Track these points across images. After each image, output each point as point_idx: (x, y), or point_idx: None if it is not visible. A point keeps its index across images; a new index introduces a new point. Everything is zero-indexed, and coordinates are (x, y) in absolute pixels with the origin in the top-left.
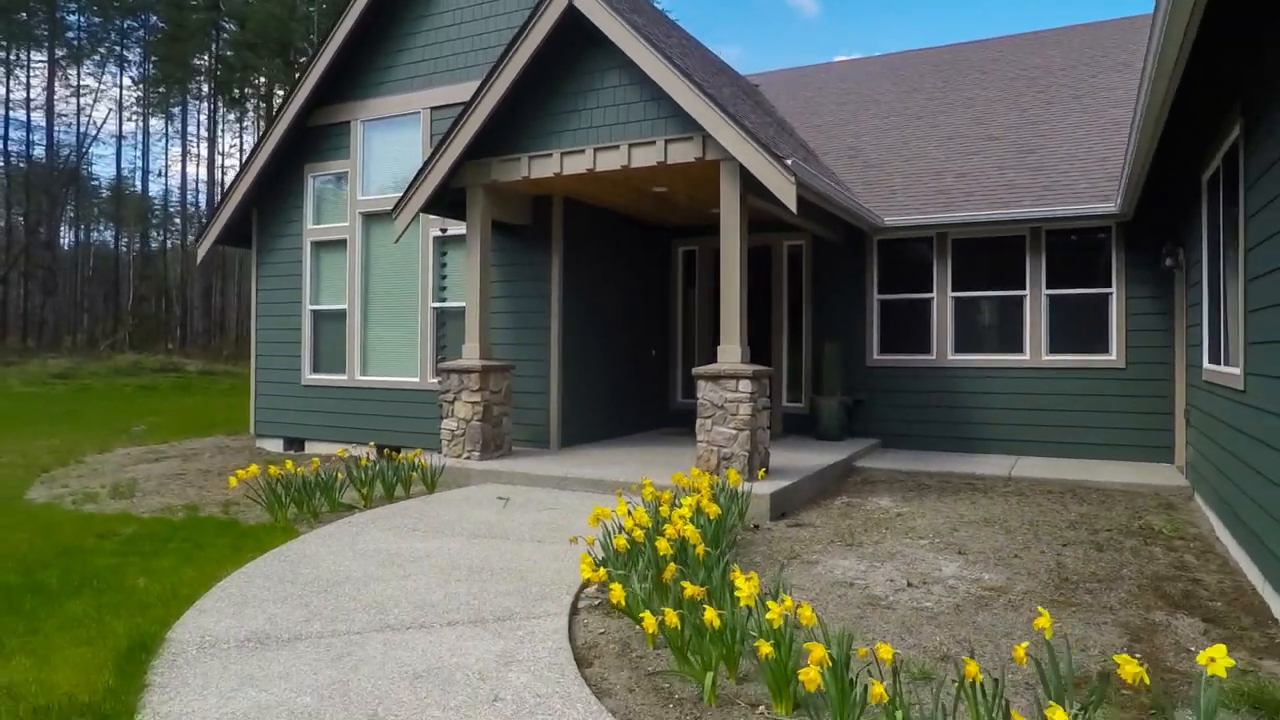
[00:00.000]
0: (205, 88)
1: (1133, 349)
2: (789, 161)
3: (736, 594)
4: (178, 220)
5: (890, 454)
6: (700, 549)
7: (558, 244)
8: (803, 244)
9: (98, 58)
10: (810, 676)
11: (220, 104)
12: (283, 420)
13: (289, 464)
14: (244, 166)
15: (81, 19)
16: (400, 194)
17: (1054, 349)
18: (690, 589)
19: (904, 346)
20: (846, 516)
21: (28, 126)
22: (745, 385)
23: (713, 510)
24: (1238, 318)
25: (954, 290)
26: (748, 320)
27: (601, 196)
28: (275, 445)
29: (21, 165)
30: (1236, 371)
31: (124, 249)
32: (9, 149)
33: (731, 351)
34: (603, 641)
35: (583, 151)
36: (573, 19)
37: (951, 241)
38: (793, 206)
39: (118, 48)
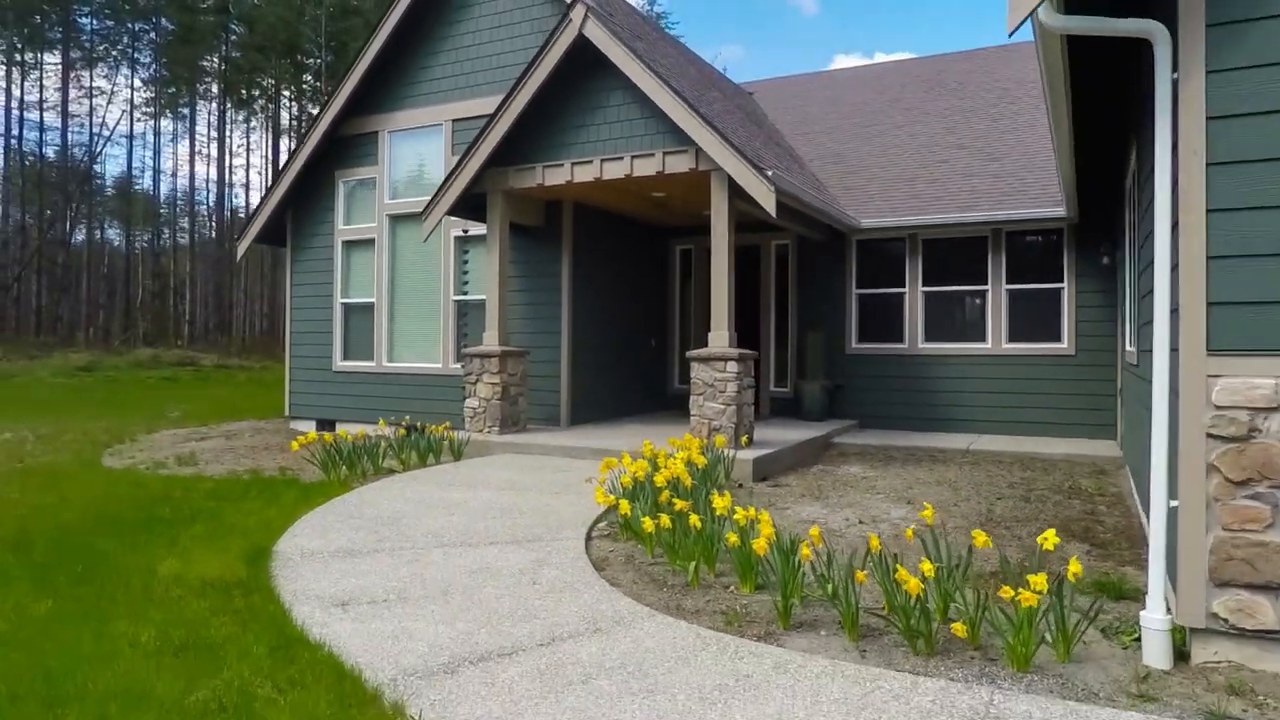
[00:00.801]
0: (214, 88)
1: (1081, 338)
2: (770, 173)
3: (713, 508)
4: (185, 220)
5: (866, 432)
6: (688, 482)
7: (568, 243)
8: (789, 243)
9: (110, 61)
10: (759, 545)
11: (229, 104)
12: (315, 403)
13: (343, 432)
14: (280, 173)
15: (94, 22)
16: (424, 198)
17: (1012, 338)
18: (679, 503)
19: (880, 336)
20: (819, 479)
21: (41, 127)
22: (732, 366)
23: (700, 460)
24: (1135, 304)
25: (924, 285)
26: (738, 313)
27: (607, 201)
28: (308, 426)
29: (31, 162)
30: (1134, 349)
31: (134, 247)
32: (23, 149)
33: (720, 337)
34: (612, 556)
35: (590, 162)
36: (582, 46)
37: (922, 241)
38: (772, 211)
39: (130, 50)
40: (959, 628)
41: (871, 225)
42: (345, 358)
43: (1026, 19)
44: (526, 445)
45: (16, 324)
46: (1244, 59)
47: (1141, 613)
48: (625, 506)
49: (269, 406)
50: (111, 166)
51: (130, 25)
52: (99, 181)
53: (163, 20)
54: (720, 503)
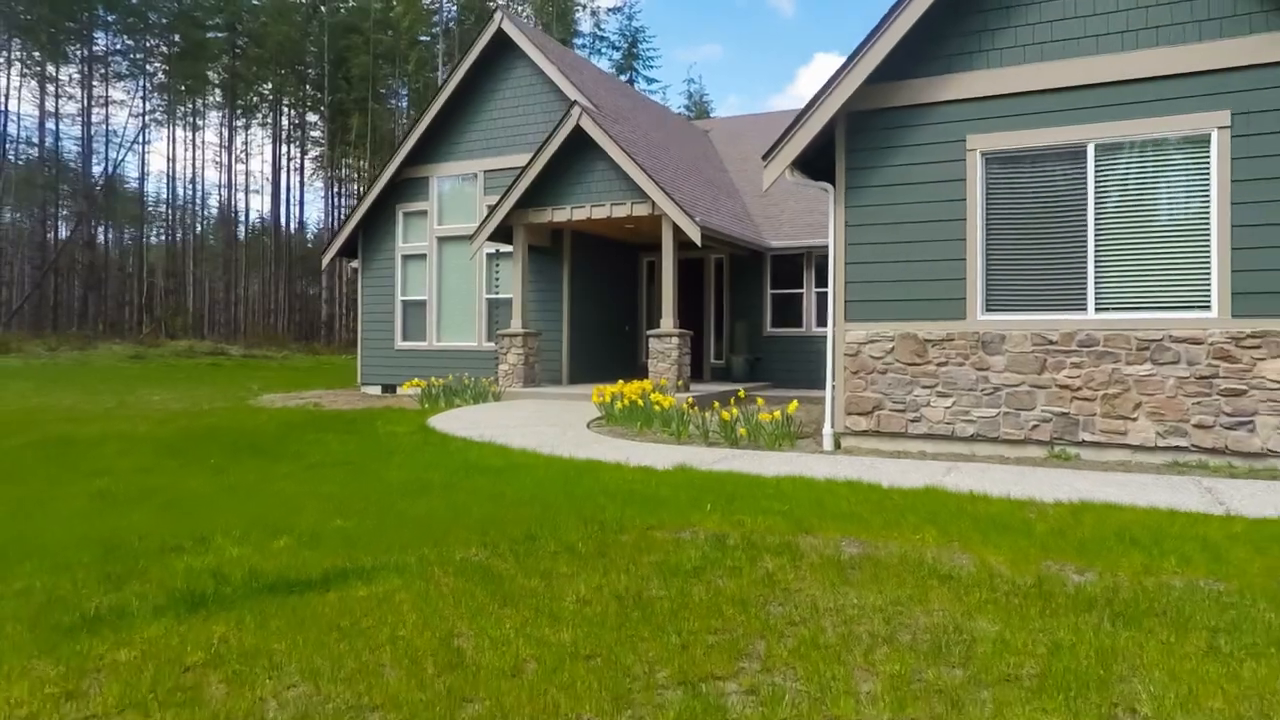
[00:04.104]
0: (220, 98)
1: None
2: (698, 218)
3: (650, 400)
4: (197, 221)
5: (773, 389)
6: (640, 393)
7: (567, 258)
8: (723, 257)
9: (127, 74)
10: (661, 408)
11: (236, 112)
12: (381, 373)
13: (433, 379)
14: (354, 207)
15: (111, 38)
16: (464, 225)
17: None
18: (634, 396)
19: (786, 323)
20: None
21: (56, 135)
22: (675, 340)
23: (647, 387)
24: None
25: (816, 288)
26: (688, 307)
27: (595, 229)
28: (375, 390)
29: (51, 168)
30: None
31: (147, 247)
32: (44, 157)
33: (668, 321)
34: (600, 431)
35: (584, 206)
36: (578, 132)
37: (815, 256)
38: (699, 242)
39: (147, 65)
40: (743, 430)
41: (779, 245)
42: (404, 340)
43: (774, 182)
44: (542, 394)
45: (38, 319)
46: (857, 203)
47: (823, 429)
48: (608, 397)
49: (327, 381)
50: (129, 171)
51: (144, 41)
52: (116, 187)
53: (175, 36)
54: (654, 396)
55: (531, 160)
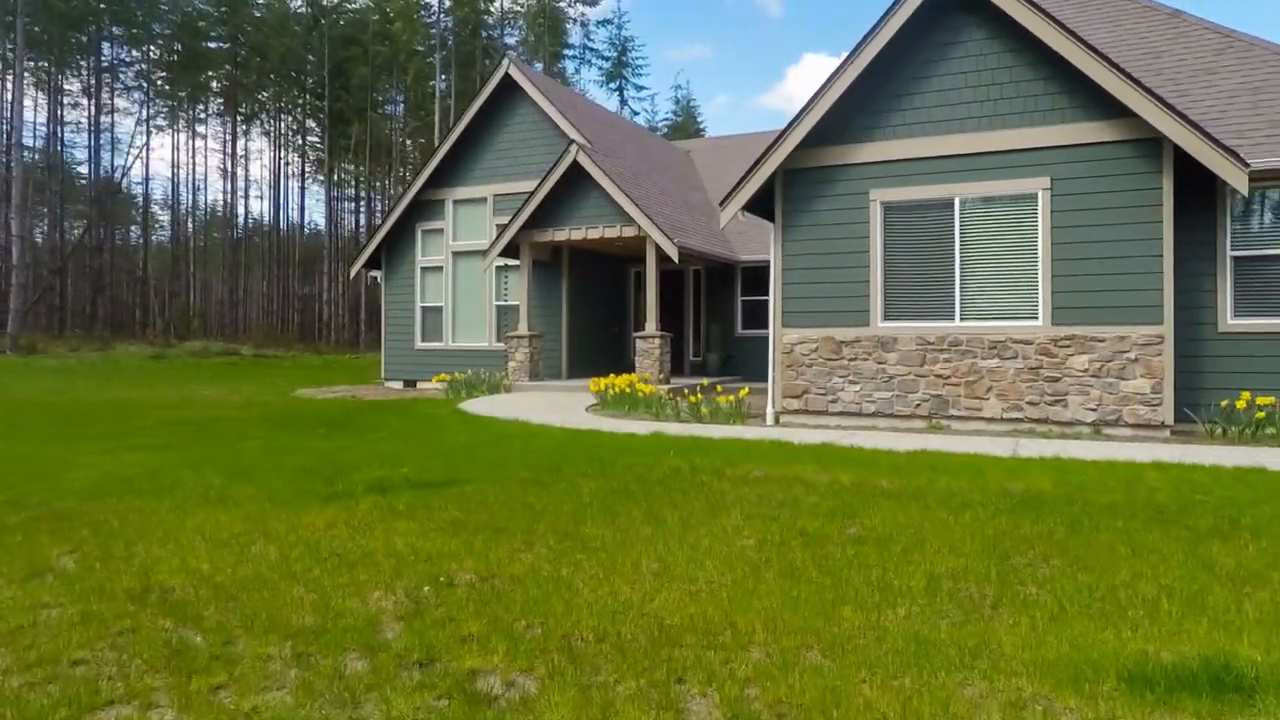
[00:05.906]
0: (223, 106)
1: None
2: (676, 239)
3: (637, 389)
4: (202, 226)
5: (742, 381)
6: (628, 384)
7: (566, 270)
8: (700, 269)
9: (131, 84)
10: (644, 395)
11: (237, 119)
12: (402, 370)
13: (456, 373)
14: (379, 226)
15: (116, 48)
16: (476, 241)
17: None
18: (623, 387)
19: (753, 325)
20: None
21: (62, 142)
22: (657, 340)
23: (634, 379)
24: None
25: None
26: (670, 312)
27: (589, 247)
28: (397, 385)
29: (54, 174)
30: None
31: (153, 248)
32: (52, 163)
33: (651, 325)
34: (597, 414)
35: (580, 228)
36: (575, 167)
37: None
38: (676, 260)
39: (149, 73)
40: (704, 410)
41: (748, 259)
42: (423, 340)
43: (729, 221)
44: (545, 386)
45: (48, 321)
46: (791, 238)
47: (766, 409)
48: (602, 387)
49: (348, 378)
50: (132, 177)
51: (148, 50)
52: (121, 192)
53: (177, 45)
54: (639, 386)
55: (536, 188)
